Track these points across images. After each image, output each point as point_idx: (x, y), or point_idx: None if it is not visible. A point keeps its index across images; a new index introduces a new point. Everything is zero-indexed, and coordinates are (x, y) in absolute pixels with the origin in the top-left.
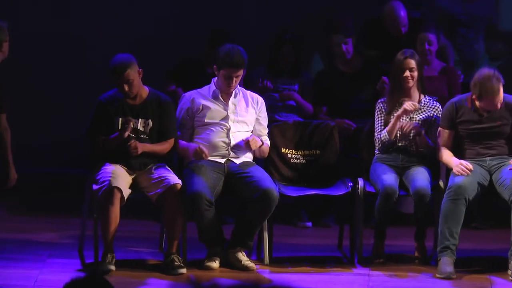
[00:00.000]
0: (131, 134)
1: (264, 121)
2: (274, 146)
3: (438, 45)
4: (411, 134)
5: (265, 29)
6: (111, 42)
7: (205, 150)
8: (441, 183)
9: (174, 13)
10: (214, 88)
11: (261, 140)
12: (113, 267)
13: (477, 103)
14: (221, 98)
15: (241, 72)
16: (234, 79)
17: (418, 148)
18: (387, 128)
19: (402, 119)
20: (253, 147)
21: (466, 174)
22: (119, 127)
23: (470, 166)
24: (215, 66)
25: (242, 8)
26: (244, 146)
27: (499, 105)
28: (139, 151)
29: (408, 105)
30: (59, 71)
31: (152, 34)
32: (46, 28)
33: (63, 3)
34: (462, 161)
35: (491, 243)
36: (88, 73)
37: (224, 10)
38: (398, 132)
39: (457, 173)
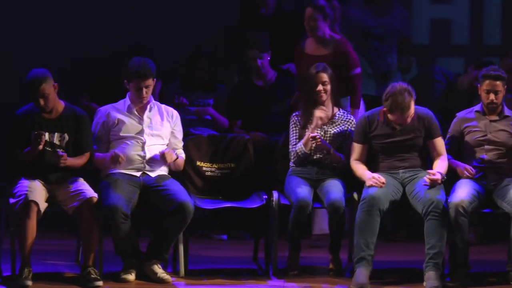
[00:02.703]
0: (47, 148)
1: (179, 135)
2: (189, 159)
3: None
4: (323, 152)
5: (180, 44)
6: (29, 56)
7: (121, 154)
8: (355, 195)
9: (91, 29)
10: (129, 102)
11: (176, 154)
12: (30, 282)
13: (388, 116)
14: (135, 112)
15: (149, 82)
16: (144, 89)
17: (332, 162)
18: (302, 141)
19: (317, 131)
20: (168, 160)
21: (379, 186)
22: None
23: (382, 179)
24: (125, 80)
25: (158, 25)
26: (159, 159)
27: (409, 120)
28: (66, 163)
29: (319, 112)
30: None
31: (68, 49)
32: None
33: None
34: (375, 174)
35: (406, 255)
36: (6, 87)
37: (141, 26)
38: (313, 144)
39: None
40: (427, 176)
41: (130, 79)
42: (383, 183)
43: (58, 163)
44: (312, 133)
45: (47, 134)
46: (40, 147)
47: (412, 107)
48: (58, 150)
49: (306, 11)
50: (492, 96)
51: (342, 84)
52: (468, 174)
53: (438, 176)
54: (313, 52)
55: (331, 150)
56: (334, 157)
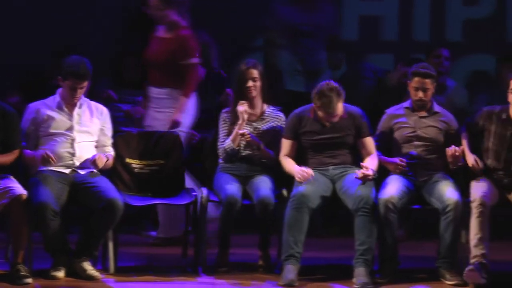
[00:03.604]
0: None
1: (109, 132)
2: (118, 156)
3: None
4: (254, 148)
5: (110, 40)
6: None
7: (52, 155)
8: (285, 192)
9: (19, 25)
10: (59, 99)
11: (106, 155)
12: None
13: (318, 113)
14: (65, 108)
15: (85, 84)
16: (79, 90)
17: (262, 159)
18: (230, 137)
19: (245, 128)
20: (100, 165)
21: (307, 177)
22: None
23: (310, 170)
24: (59, 77)
25: (87, 20)
26: (90, 164)
27: (336, 118)
28: None
29: (240, 108)
30: None
31: None
32: None
33: None
34: (302, 167)
35: (336, 251)
36: None
37: (69, 22)
38: (242, 142)
39: (298, 179)
40: (361, 170)
41: (66, 78)
42: (311, 175)
43: None
44: (240, 129)
45: None
46: None
47: (340, 106)
48: None
49: (149, 1)
50: (420, 94)
51: (175, 74)
52: (401, 168)
53: (371, 172)
54: (160, 35)
55: (261, 146)
56: (264, 153)
